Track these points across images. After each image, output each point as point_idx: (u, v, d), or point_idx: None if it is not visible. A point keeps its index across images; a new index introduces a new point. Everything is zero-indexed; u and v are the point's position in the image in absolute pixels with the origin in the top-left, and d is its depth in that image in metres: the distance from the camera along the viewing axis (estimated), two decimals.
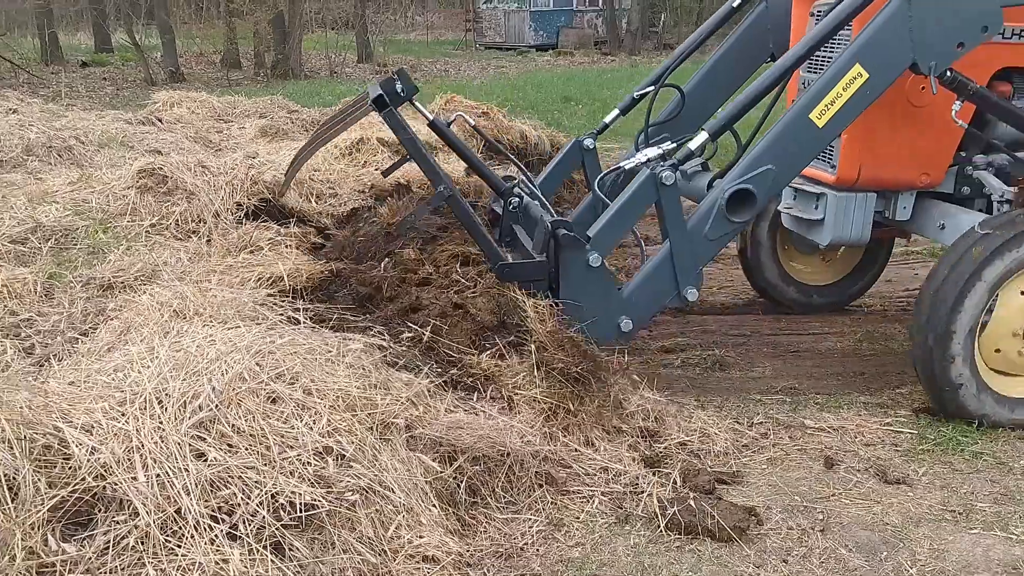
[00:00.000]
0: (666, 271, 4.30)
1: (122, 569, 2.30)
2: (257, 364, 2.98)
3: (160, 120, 9.43)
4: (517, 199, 4.88)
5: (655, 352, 5.57)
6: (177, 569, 2.33)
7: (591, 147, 5.61)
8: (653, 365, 5.38)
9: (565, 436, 3.93)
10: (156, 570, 2.31)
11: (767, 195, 4.30)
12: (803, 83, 5.10)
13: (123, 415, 2.62)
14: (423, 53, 31.37)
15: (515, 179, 5.17)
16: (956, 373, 4.09)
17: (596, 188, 4.74)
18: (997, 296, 4.11)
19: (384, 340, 3.69)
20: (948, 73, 4.14)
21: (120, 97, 18.41)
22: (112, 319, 3.63)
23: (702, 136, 4.28)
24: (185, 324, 3.41)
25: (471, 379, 3.93)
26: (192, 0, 31.57)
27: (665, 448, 4.01)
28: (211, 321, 3.45)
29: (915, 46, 4.08)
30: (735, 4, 5.59)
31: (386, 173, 4.32)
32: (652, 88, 5.40)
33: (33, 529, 2.27)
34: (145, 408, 2.65)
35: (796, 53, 4.26)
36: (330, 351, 3.39)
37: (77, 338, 3.69)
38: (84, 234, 4.62)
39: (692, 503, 3.44)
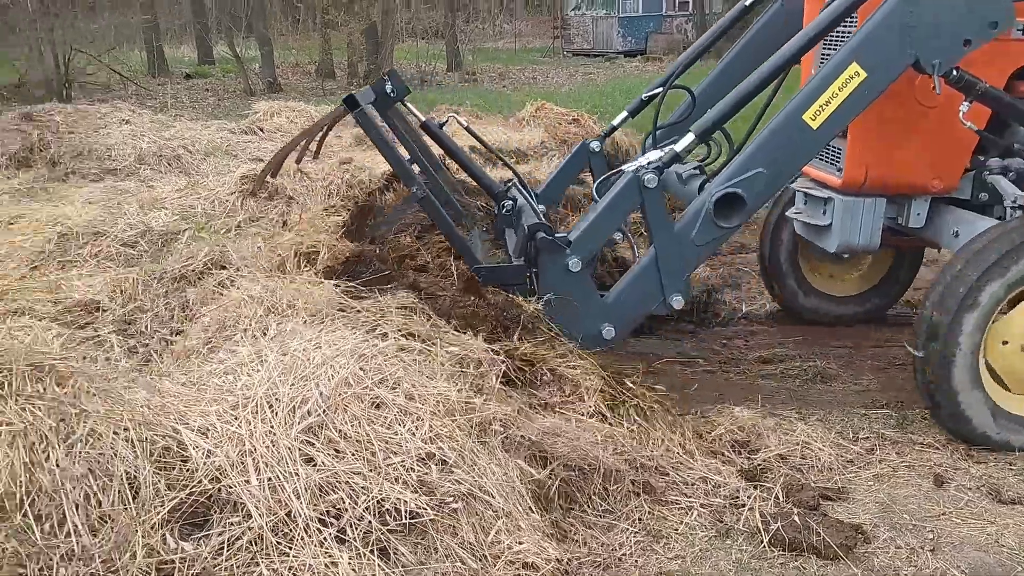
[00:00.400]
0: (651, 277, 4.16)
1: (237, 568, 2.37)
2: (361, 369, 3.03)
3: (261, 130, 9.74)
4: (511, 202, 4.81)
5: (752, 363, 5.45)
6: (288, 570, 2.39)
7: (597, 150, 5.53)
8: (751, 376, 5.28)
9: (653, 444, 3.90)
10: (269, 570, 2.37)
11: (758, 200, 4.12)
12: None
13: (236, 419, 2.70)
14: (511, 61, 31.54)
15: (510, 182, 5.13)
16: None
17: (595, 192, 4.67)
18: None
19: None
20: (954, 72, 3.88)
21: (221, 107, 19.08)
22: (203, 315, 3.75)
23: (688, 137, 4.13)
24: (281, 320, 3.49)
25: (519, 363, 3.88)
26: (289, 13, 32.54)
27: (764, 461, 3.93)
28: (306, 317, 3.52)
29: (917, 43, 3.84)
30: (748, 3, 5.40)
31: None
32: (661, 90, 5.25)
33: (153, 529, 2.36)
34: (257, 412, 2.73)
35: (792, 48, 4.06)
36: (425, 353, 3.44)
37: (171, 337, 3.83)
38: (186, 237, 4.79)
39: (796, 519, 3.35)
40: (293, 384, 2.86)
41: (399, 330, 3.51)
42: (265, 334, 3.40)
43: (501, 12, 36.77)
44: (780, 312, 6.26)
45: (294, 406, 2.77)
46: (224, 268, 4.21)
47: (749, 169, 4.01)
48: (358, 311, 3.63)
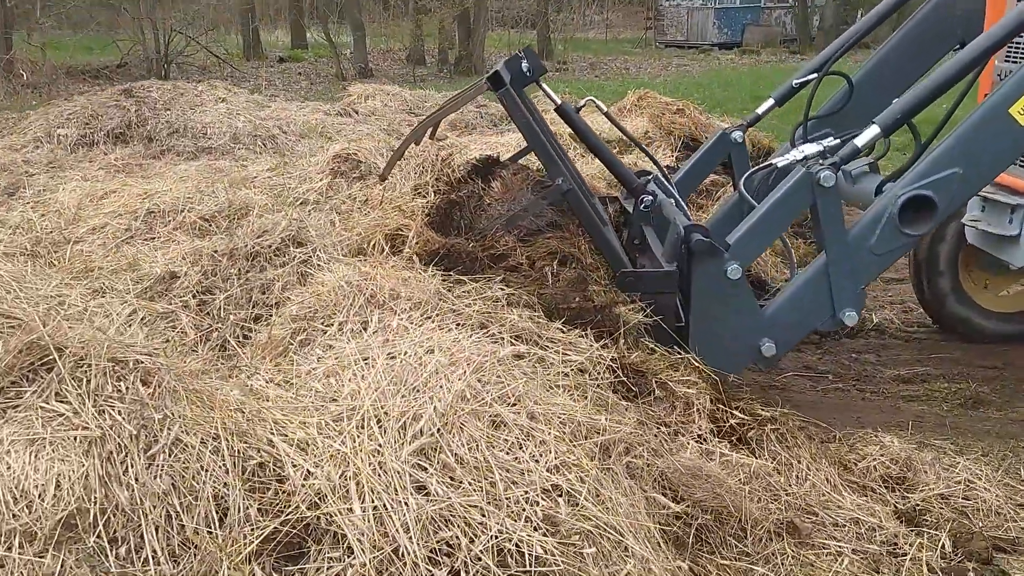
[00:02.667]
0: (820, 288, 3.72)
1: None
2: (479, 380, 2.64)
3: (356, 112, 9.49)
4: (650, 197, 4.32)
5: (890, 381, 4.91)
6: None
7: (739, 140, 5.02)
8: (890, 396, 4.73)
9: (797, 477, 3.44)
10: None
11: (950, 204, 3.63)
12: (999, 73, 4.31)
13: (340, 433, 2.34)
14: (602, 51, 30.93)
15: (650, 174, 4.64)
16: None
17: (742, 188, 4.15)
18: None
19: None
20: None
21: (313, 91, 19.06)
22: (291, 301, 3.39)
23: (872, 131, 3.66)
24: (383, 312, 3.12)
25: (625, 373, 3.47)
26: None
27: (923, 501, 3.42)
28: (409, 309, 3.14)
29: None
30: None
31: (512, 159, 3.90)
32: (814, 76, 4.74)
33: (242, 562, 2.01)
34: (363, 427, 2.36)
35: (993, 37, 3.53)
36: (542, 361, 3.03)
37: (250, 323, 3.49)
38: (259, 210, 4.47)
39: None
40: (404, 396, 2.48)
41: (511, 331, 3.11)
42: (367, 328, 3.04)
43: (593, 2, 36.09)
44: (914, 325, 5.69)
45: (405, 422, 2.39)
46: (302, 245, 3.85)
47: (943, 169, 3.54)
48: (465, 304, 3.24)
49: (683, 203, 4.29)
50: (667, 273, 3.69)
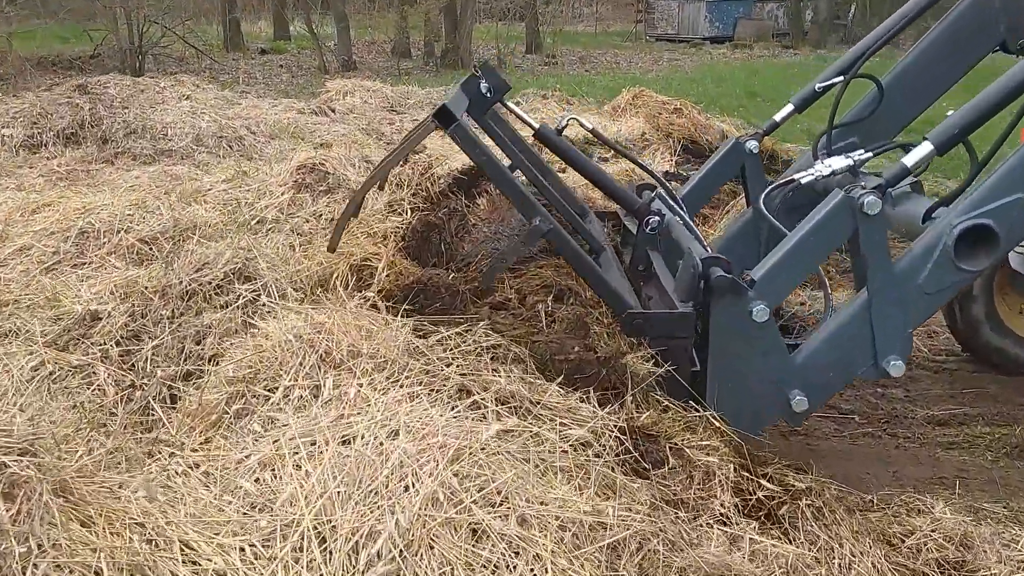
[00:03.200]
0: (861, 332, 3.20)
1: None
2: (455, 474, 2.07)
3: (333, 111, 8.87)
4: (656, 218, 3.76)
5: (923, 425, 4.37)
6: None
7: (754, 151, 4.46)
8: (926, 443, 4.19)
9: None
10: None
11: (1012, 235, 3.11)
12: None
13: (270, 560, 1.76)
14: (591, 44, 30.33)
15: (653, 188, 4.07)
16: None
17: (762, 206, 3.61)
18: None
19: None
20: None
21: (295, 84, 18.40)
22: (227, 356, 2.78)
23: (924, 149, 3.13)
24: (339, 374, 2.55)
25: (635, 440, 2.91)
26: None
27: None
28: (371, 369, 2.56)
29: None
30: None
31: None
32: (840, 79, 4.20)
33: None
34: (301, 550, 1.78)
35: None
36: (535, 438, 2.46)
37: (178, 384, 2.87)
38: (201, 235, 3.87)
39: None
40: (358, 503, 1.91)
41: (497, 397, 2.54)
42: (318, 395, 2.46)
43: None
44: (942, 353, 5.16)
45: (357, 542, 1.82)
46: (249, 280, 3.24)
47: (1005, 194, 3.01)
48: (438, 362, 2.66)
49: (694, 226, 3.72)
50: (682, 316, 3.13)
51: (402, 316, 3.01)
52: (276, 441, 2.23)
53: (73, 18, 21.62)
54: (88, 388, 2.83)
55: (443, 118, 3.02)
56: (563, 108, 9.48)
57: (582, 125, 4.03)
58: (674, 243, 3.72)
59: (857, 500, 3.27)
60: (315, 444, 2.20)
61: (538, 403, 2.56)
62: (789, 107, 4.57)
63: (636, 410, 3.00)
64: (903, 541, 3.09)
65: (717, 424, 3.11)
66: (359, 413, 2.31)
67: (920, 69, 4.23)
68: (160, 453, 2.38)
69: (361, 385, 2.46)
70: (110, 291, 3.36)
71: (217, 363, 2.79)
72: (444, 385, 2.52)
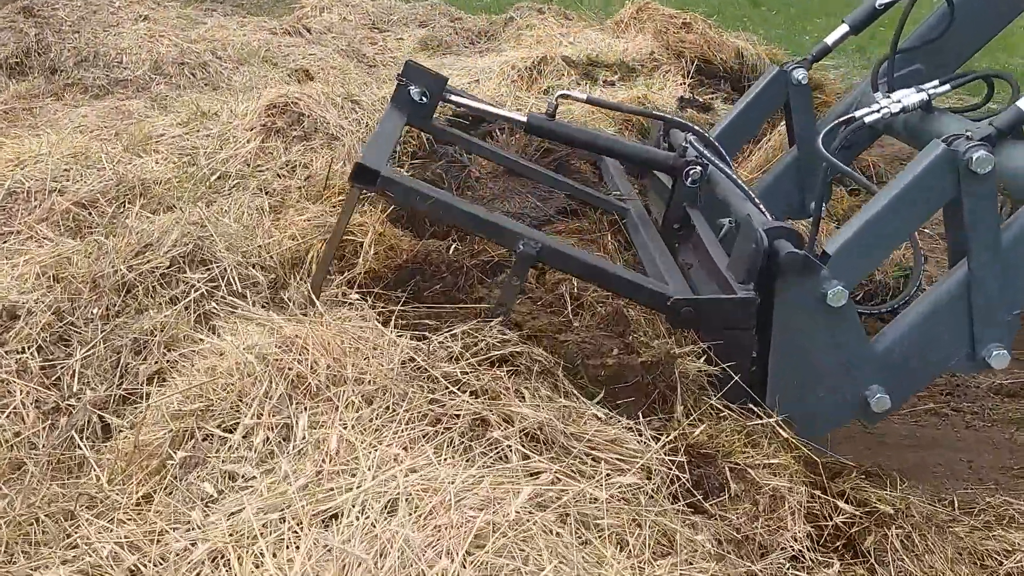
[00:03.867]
0: (955, 315, 2.67)
1: None
2: (477, 572, 1.51)
3: (308, 30, 8.04)
4: (698, 168, 3.13)
5: (989, 396, 3.86)
6: None
7: (802, 81, 3.85)
8: (998, 420, 3.69)
9: None
10: None
11: None
12: None
13: None
14: None
15: (685, 127, 3.44)
16: None
17: (820, 147, 2.99)
18: None
19: None
20: None
21: None
22: (174, 379, 2.18)
23: None
24: (315, 407, 1.96)
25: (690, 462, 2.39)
26: None
27: None
28: (359, 401, 1.98)
29: None
30: None
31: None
32: None
33: None
34: None
35: None
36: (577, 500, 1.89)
37: (107, 414, 2.27)
38: (163, 196, 3.24)
39: None
40: None
41: (522, 431, 1.96)
42: (288, 440, 1.89)
43: None
44: None
45: None
46: (204, 266, 2.59)
47: None
48: (444, 383, 2.07)
49: (741, 183, 3.09)
50: (744, 302, 2.52)
51: (396, 319, 2.42)
52: (232, 516, 1.65)
53: None
54: (2, 412, 2.24)
55: (362, 177, 2.43)
56: (561, 25, 8.66)
57: (574, 98, 3.42)
58: (720, 203, 3.11)
59: (942, 512, 2.76)
60: (283, 520, 1.63)
61: (574, 436, 1.99)
62: (843, 28, 3.92)
63: (687, 421, 2.44)
64: (1001, 563, 2.60)
65: (783, 433, 2.56)
66: (343, 471, 1.73)
67: None
68: (85, 517, 1.80)
69: (345, 426, 1.87)
70: (36, 275, 2.73)
71: (161, 382, 2.20)
72: (454, 421, 1.94)
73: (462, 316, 2.57)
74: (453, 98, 3.27)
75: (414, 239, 2.92)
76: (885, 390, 2.68)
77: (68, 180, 3.41)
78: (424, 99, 3.08)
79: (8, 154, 3.88)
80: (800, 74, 3.84)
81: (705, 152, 3.20)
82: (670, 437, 2.25)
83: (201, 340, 2.10)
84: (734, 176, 3.09)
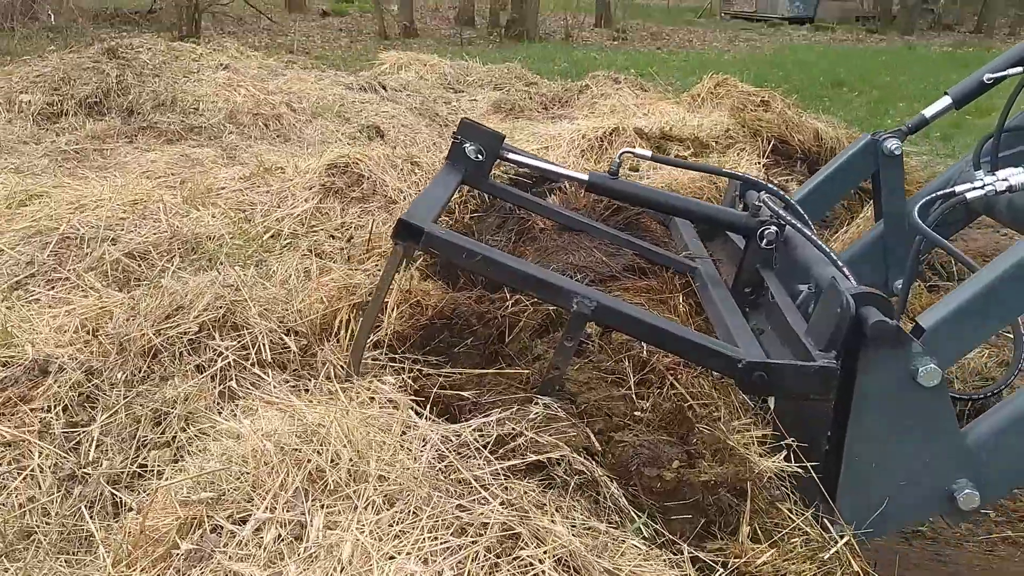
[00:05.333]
0: None
1: None
2: None
3: (384, 87, 8.11)
4: (773, 229, 2.92)
5: None
6: None
7: (895, 152, 3.63)
8: None
9: None
10: None
11: None
12: None
13: None
14: (664, 20, 29.12)
15: (759, 186, 3.22)
16: None
17: (917, 219, 2.75)
18: None
19: None
20: None
21: (352, 50, 17.75)
22: (186, 459, 2.04)
23: None
24: (332, 506, 1.81)
25: None
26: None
27: None
28: (381, 503, 1.82)
29: None
30: None
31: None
32: (1018, 71, 3.37)
33: None
34: None
35: None
36: None
37: (122, 487, 2.14)
38: (213, 251, 3.16)
39: None
40: None
41: (553, 554, 1.77)
42: (300, 539, 1.73)
43: None
44: None
45: None
46: (236, 331, 2.47)
47: None
48: (475, 487, 1.90)
49: (821, 244, 2.86)
50: (823, 370, 2.26)
51: (428, 391, 2.27)
52: None
53: None
54: (18, 475, 2.14)
55: (405, 234, 2.28)
56: (637, 96, 8.57)
57: (637, 155, 3.26)
58: (799, 266, 2.91)
59: None
60: None
61: (607, 572, 1.79)
62: (945, 100, 3.69)
63: (751, 547, 2.20)
64: None
65: (854, 566, 2.31)
66: None
67: None
68: None
69: (362, 530, 1.72)
70: (75, 327, 2.67)
71: (178, 458, 2.08)
72: (481, 531, 1.76)
73: (505, 383, 2.40)
74: (511, 156, 3.14)
75: (444, 292, 2.76)
76: (976, 487, 2.39)
77: (123, 229, 3.38)
78: (480, 156, 2.94)
79: (70, 196, 3.89)
80: (893, 144, 3.62)
81: (782, 212, 3.00)
82: (730, 571, 2.03)
83: (219, 421, 1.98)
84: (815, 239, 2.85)
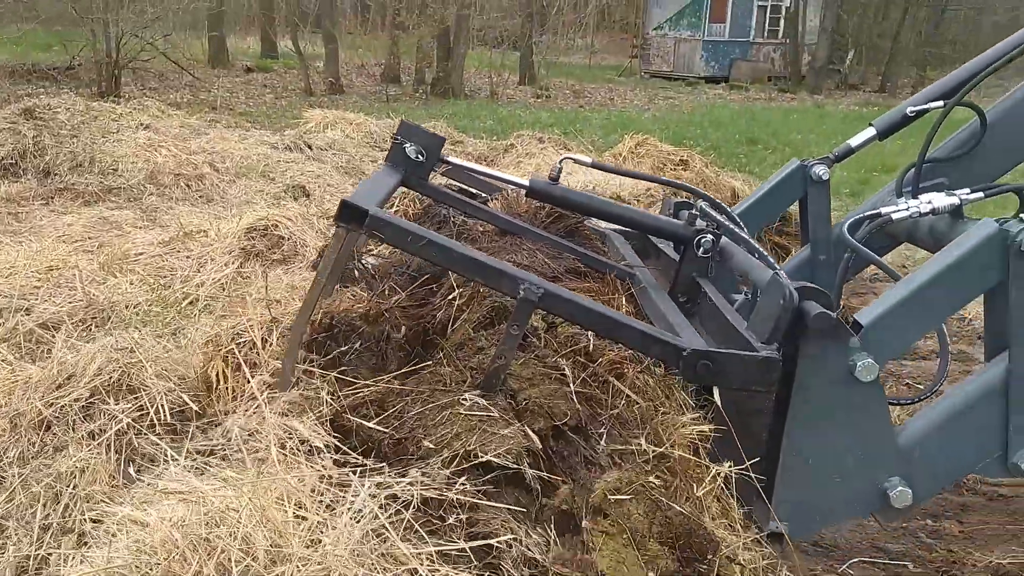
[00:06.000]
0: (990, 412, 2.52)
1: None
2: None
3: (309, 146, 8.12)
4: (709, 238, 3.00)
5: (986, 573, 3.65)
6: None
7: (823, 178, 3.78)
8: None
9: None
10: None
11: None
12: None
13: None
14: (585, 77, 29.90)
15: (688, 204, 3.31)
16: None
17: (847, 235, 2.95)
18: None
19: None
20: None
21: (277, 107, 17.70)
22: (98, 526, 1.95)
23: None
24: None
25: None
26: (359, 11, 31.24)
27: None
28: None
29: None
30: None
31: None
32: (940, 104, 3.55)
33: None
34: None
35: None
36: None
37: None
38: (131, 319, 3.09)
39: None
40: None
41: None
42: None
43: (582, 26, 34.88)
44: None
45: None
46: (132, 393, 2.41)
47: None
48: (405, 563, 1.88)
49: (755, 245, 2.94)
50: (767, 360, 2.29)
51: (369, 455, 2.23)
52: None
53: (53, 25, 20.78)
54: None
55: (348, 216, 2.24)
56: (559, 153, 8.77)
57: (578, 162, 3.28)
58: (728, 271, 2.98)
59: None
60: None
61: None
62: (870, 131, 3.84)
63: None
64: None
65: None
66: None
67: None
68: None
69: None
70: None
71: (82, 544, 2.01)
72: None
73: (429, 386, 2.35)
74: (451, 159, 3.12)
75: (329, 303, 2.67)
76: (908, 484, 2.46)
77: (37, 299, 3.30)
78: (420, 157, 2.91)
79: None
80: (821, 170, 3.75)
81: (722, 220, 3.07)
82: None
83: (121, 509, 1.90)
84: (754, 243, 2.91)
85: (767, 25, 32.20)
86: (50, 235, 4.66)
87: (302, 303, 2.38)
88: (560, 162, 3.19)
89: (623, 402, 2.36)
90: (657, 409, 2.37)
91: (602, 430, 2.32)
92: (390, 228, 2.27)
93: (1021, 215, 2.53)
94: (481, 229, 3.36)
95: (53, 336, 3.07)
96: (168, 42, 20.29)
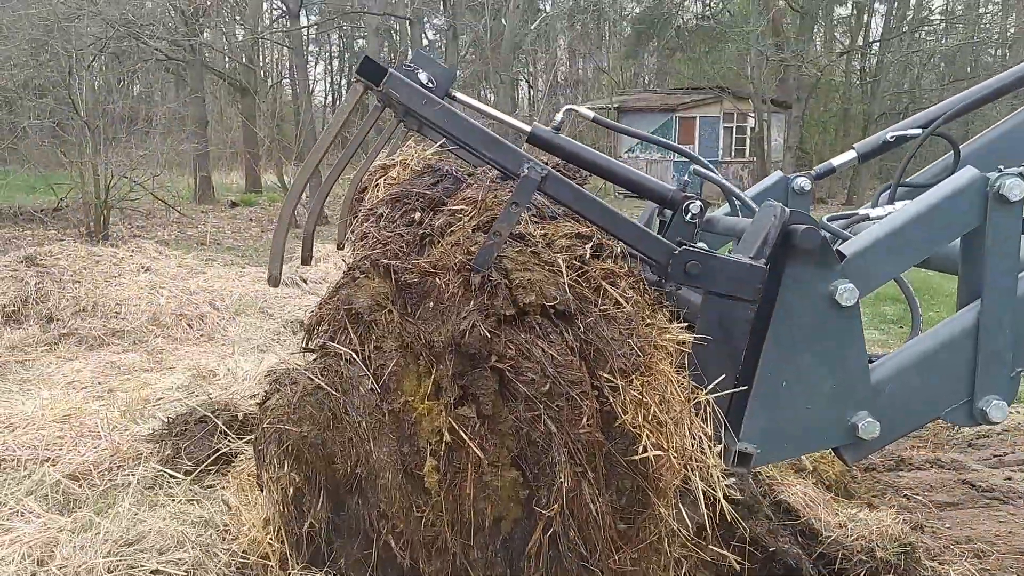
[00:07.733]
0: (957, 359, 2.53)
1: None
2: None
3: (305, 281, 8.29)
4: (699, 203, 3.01)
5: None
6: None
7: (804, 189, 3.78)
8: None
9: None
10: None
11: None
12: None
13: None
14: None
15: (693, 162, 3.36)
16: None
17: (826, 222, 2.95)
18: None
19: None
20: None
21: (264, 240, 17.98)
22: None
23: None
24: None
25: None
26: (341, 144, 32.13)
27: None
28: None
29: None
30: None
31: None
32: (918, 132, 3.63)
33: None
34: None
35: None
36: None
37: None
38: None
39: None
40: None
41: None
42: None
43: None
44: None
45: None
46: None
47: None
48: None
49: (739, 193, 3.01)
50: (752, 267, 2.33)
51: None
52: None
53: (37, 168, 21.22)
54: None
55: (367, 72, 2.27)
56: None
57: (580, 114, 3.35)
58: (724, 233, 3.06)
59: None
60: None
61: None
62: (851, 153, 3.93)
63: None
64: None
65: None
66: None
67: (1009, 144, 3.66)
68: None
69: None
70: (21, 557, 2.60)
71: None
72: None
73: None
74: (459, 96, 3.11)
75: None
76: (876, 419, 2.46)
77: (61, 448, 3.34)
78: (432, 84, 2.85)
79: None
80: (802, 181, 3.77)
81: (723, 181, 3.15)
82: None
83: None
84: (742, 195, 2.96)
85: (734, 145, 33.44)
86: (59, 382, 4.72)
87: (310, 153, 2.46)
88: (563, 111, 3.23)
89: (611, 304, 2.41)
90: (643, 317, 2.43)
91: (589, 320, 2.37)
92: (406, 88, 2.32)
93: (1000, 167, 2.59)
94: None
95: (80, 485, 3.10)
96: (156, 182, 20.70)
